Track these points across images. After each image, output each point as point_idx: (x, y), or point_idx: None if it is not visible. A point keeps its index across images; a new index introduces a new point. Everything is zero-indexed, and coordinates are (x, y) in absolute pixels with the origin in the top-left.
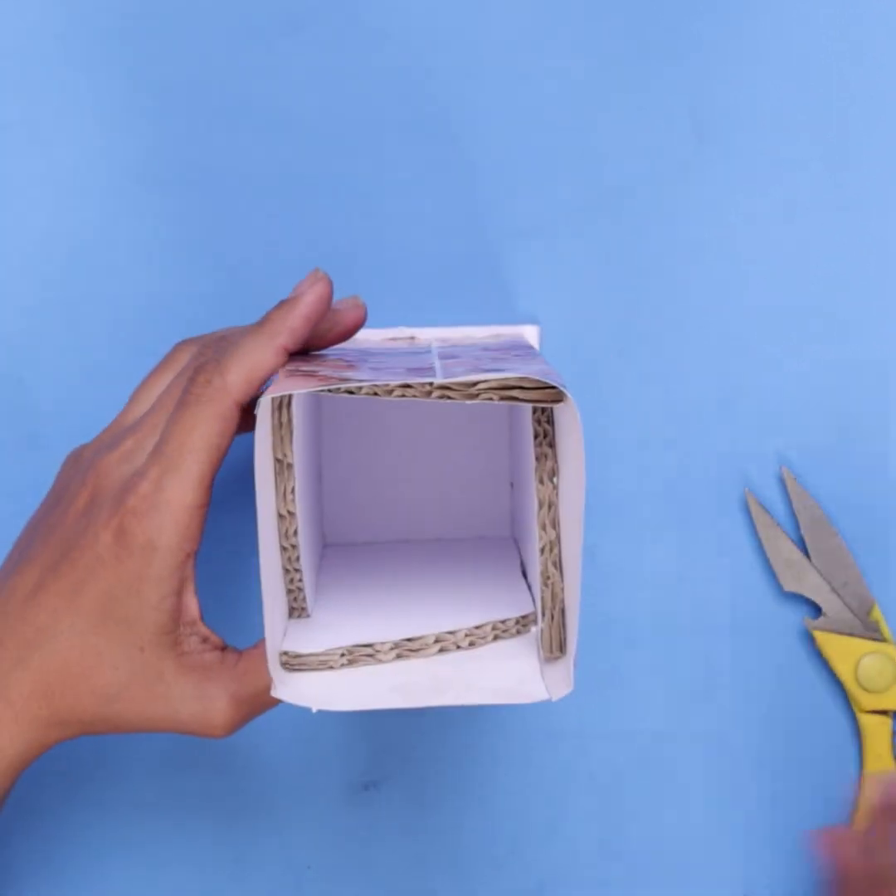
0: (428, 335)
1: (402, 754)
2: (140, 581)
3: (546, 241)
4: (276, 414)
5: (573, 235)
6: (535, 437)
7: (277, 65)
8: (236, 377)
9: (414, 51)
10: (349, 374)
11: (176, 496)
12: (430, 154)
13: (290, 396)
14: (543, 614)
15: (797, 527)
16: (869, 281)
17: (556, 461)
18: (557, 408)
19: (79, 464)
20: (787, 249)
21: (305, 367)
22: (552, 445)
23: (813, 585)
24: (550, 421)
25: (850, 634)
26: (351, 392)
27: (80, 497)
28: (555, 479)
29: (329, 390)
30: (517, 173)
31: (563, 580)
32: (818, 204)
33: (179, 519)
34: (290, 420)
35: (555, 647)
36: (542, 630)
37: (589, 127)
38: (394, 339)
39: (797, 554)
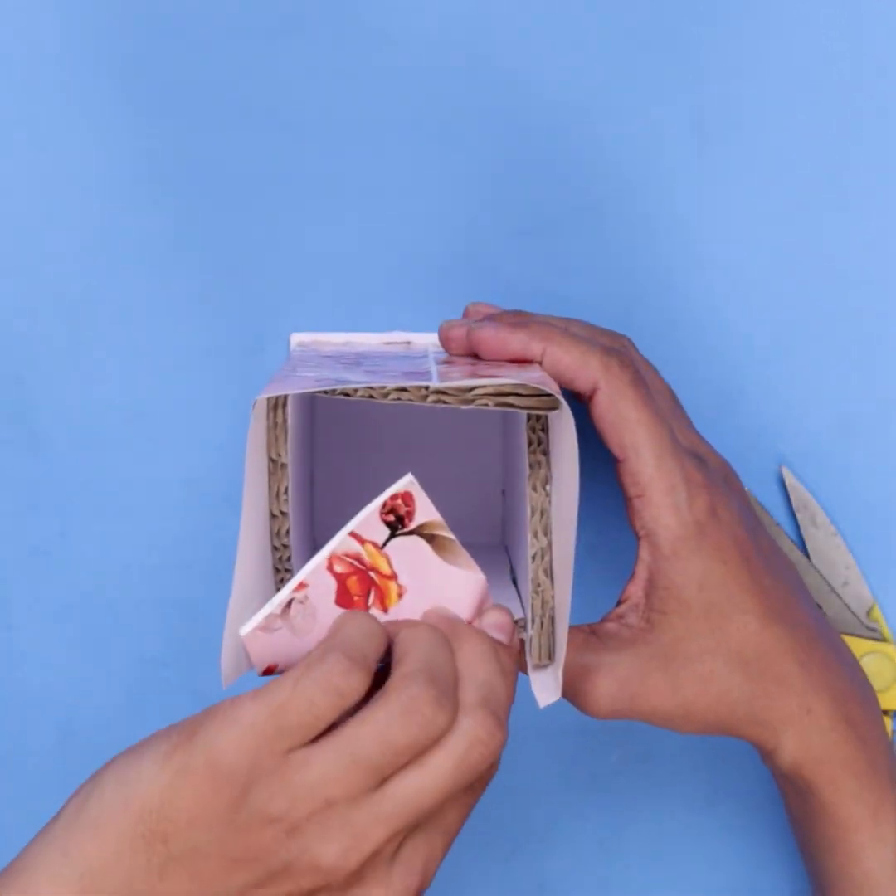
0: (424, 340)
1: None
2: None
3: (546, 241)
4: (272, 414)
5: (573, 235)
6: (530, 444)
7: (277, 65)
8: None
9: (414, 51)
10: (345, 375)
11: None
12: (430, 154)
13: (285, 397)
14: (533, 621)
15: (797, 527)
16: (869, 281)
17: (549, 469)
18: (552, 415)
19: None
20: (787, 249)
21: (301, 369)
22: (546, 453)
23: (813, 585)
24: (545, 429)
25: (850, 634)
26: (346, 394)
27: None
28: (548, 487)
29: (324, 391)
30: (517, 173)
31: (553, 588)
32: (818, 204)
33: None
34: (284, 420)
35: (543, 654)
36: (531, 637)
37: (588, 127)
38: (389, 343)
39: (797, 554)
